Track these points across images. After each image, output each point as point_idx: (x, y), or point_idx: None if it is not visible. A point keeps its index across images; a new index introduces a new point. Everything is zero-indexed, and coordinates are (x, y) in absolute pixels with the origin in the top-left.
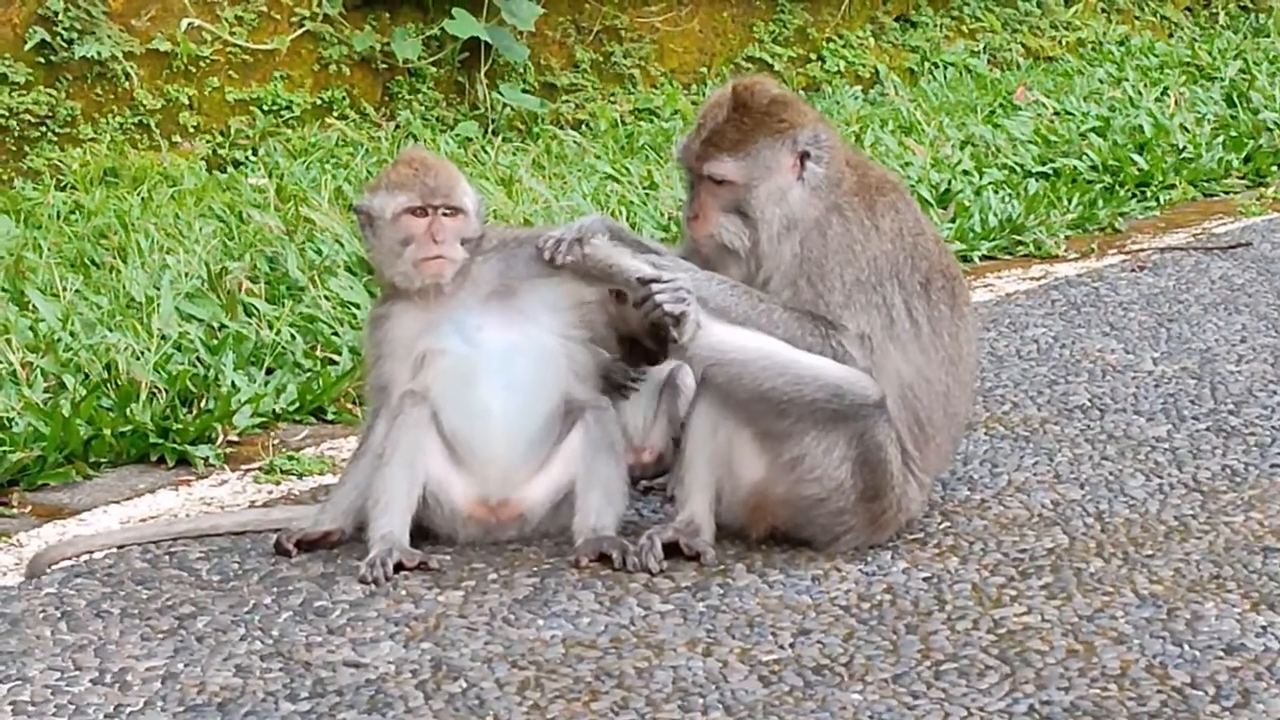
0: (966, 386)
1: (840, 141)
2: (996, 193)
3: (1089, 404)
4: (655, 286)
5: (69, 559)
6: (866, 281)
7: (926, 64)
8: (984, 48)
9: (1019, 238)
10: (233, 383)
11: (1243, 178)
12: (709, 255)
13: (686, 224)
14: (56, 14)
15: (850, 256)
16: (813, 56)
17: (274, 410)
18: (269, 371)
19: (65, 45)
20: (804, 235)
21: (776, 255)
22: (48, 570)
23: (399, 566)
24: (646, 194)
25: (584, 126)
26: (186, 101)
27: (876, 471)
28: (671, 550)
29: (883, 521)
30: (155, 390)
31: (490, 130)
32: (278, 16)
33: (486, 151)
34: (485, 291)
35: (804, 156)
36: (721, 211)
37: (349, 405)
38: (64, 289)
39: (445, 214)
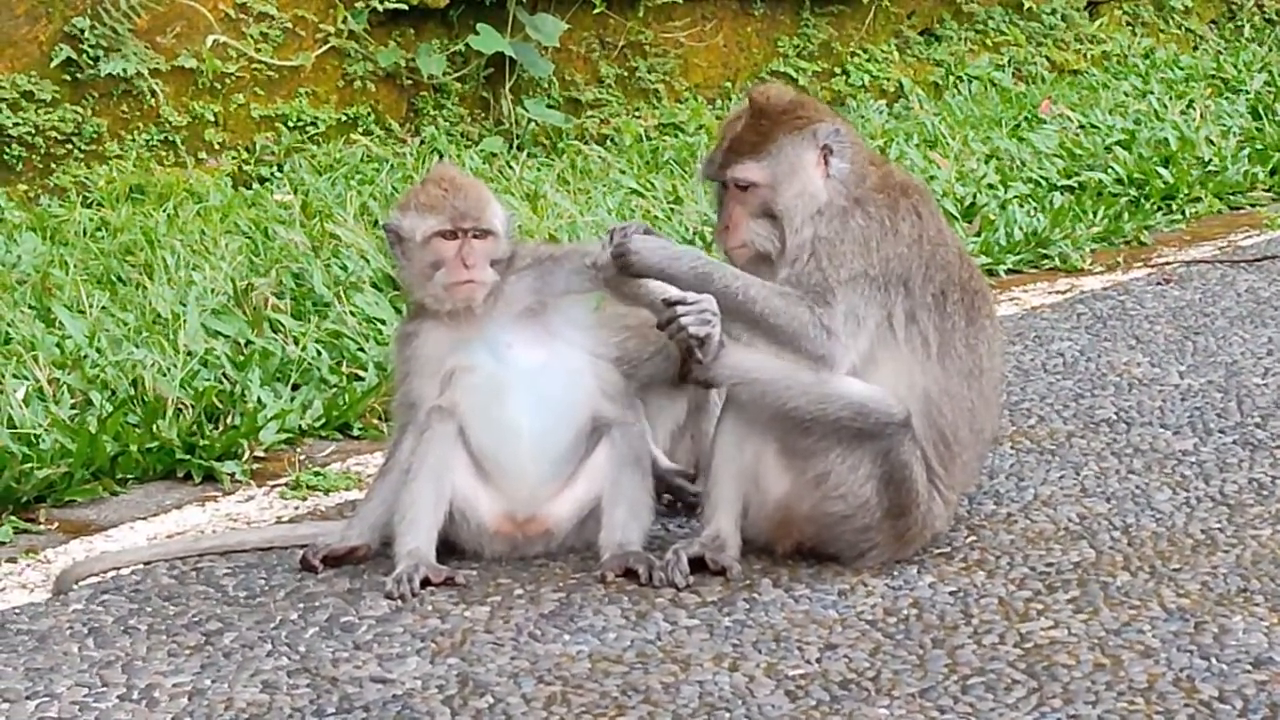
0: (991, 402)
1: (860, 139)
2: (1022, 206)
3: (1115, 417)
4: (680, 309)
5: (96, 575)
6: (875, 278)
7: (951, 78)
8: (1008, 61)
9: (1044, 251)
10: (259, 399)
11: (1268, 190)
12: (743, 267)
13: (719, 238)
14: (82, 31)
15: (865, 250)
16: (837, 71)
17: (300, 426)
18: (295, 387)
19: (91, 63)
20: (826, 221)
21: (794, 248)
22: (74, 587)
23: (425, 582)
24: (671, 209)
25: (609, 141)
26: (212, 118)
27: (901, 489)
28: (697, 565)
29: (908, 538)
30: (181, 406)
31: (515, 146)
32: (303, 33)
33: (511, 167)
34: (517, 310)
35: (826, 151)
36: (751, 218)
37: (375, 421)
38: (90, 306)
39: (475, 236)
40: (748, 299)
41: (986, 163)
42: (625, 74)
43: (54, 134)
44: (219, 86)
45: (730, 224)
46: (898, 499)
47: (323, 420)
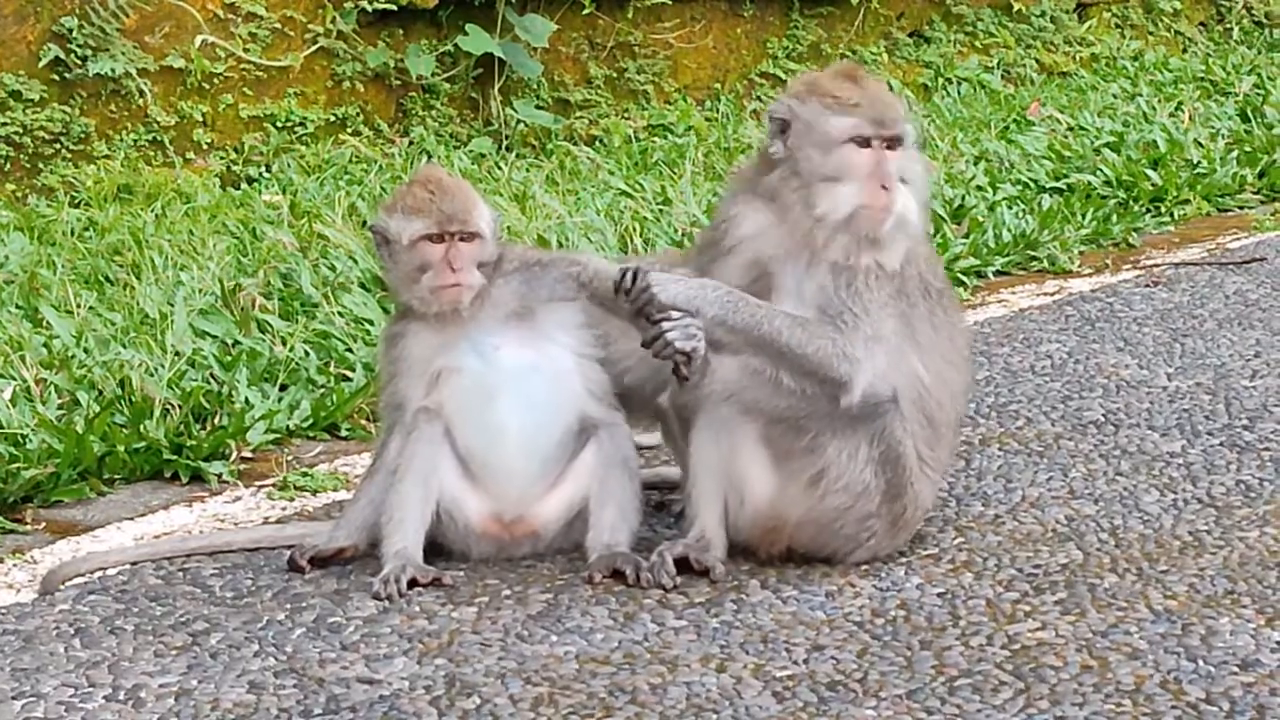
0: (966, 388)
1: None
2: (1010, 208)
3: (1103, 419)
4: (665, 325)
5: (83, 576)
6: (900, 289)
7: (940, 79)
8: (998, 63)
9: (1033, 253)
10: (246, 399)
11: (1257, 192)
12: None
13: (881, 194)
14: (70, 31)
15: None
16: None
17: (288, 426)
18: (283, 388)
19: (79, 62)
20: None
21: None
22: (61, 587)
23: (413, 583)
24: (660, 210)
25: (598, 142)
26: (200, 118)
27: (897, 467)
28: (682, 566)
29: (902, 522)
30: (169, 406)
31: (504, 146)
32: (291, 33)
33: (500, 168)
34: (504, 312)
35: None
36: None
37: (363, 421)
38: (78, 306)
39: (462, 239)
40: (773, 330)
41: (975, 164)
42: (614, 75)
43: (42, 133)
44: (207, 86)
45: (889, 184)
46: (894, 478)
47: (310, 421)
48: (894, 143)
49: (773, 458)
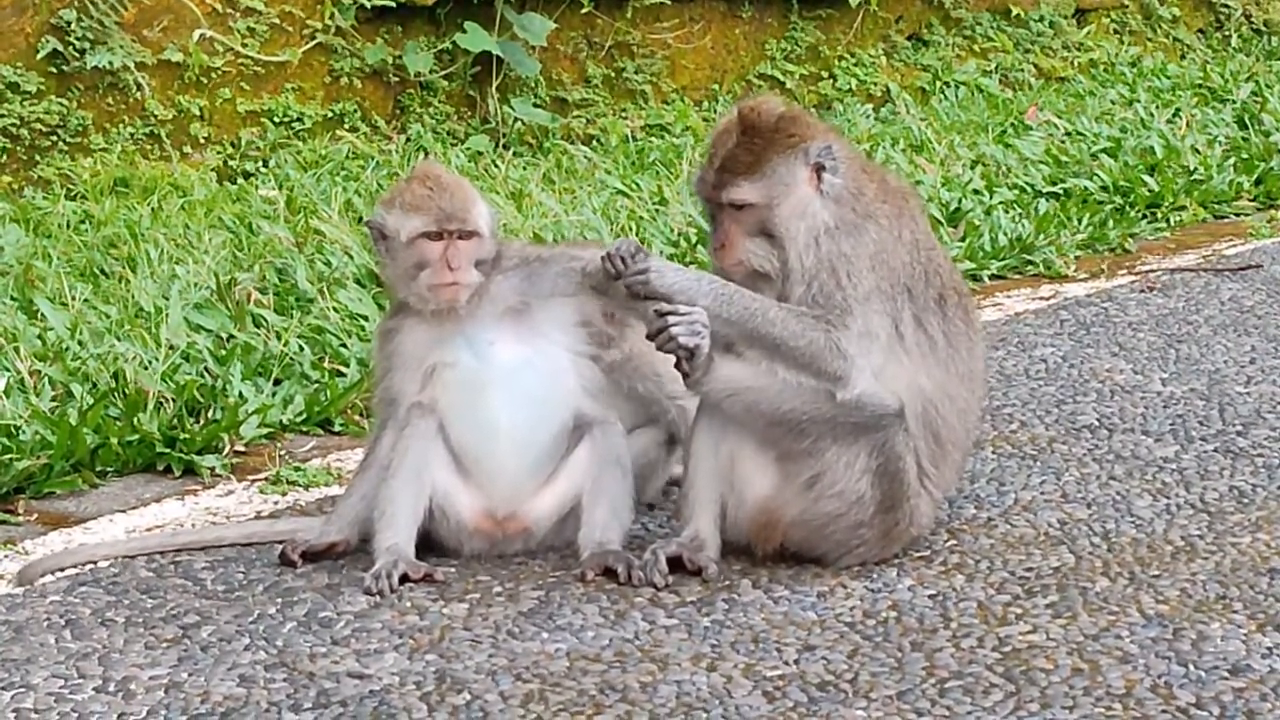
0: (981, 404)
1: (853, 151)
2: (1007, 212)
3: (1097, 424)
4: (671, 319)
5: (63, 569)
6: (885, 291)
7: (938, 83)
8: (996, 67)
9: (1029, 257)
10: (240, 393)
11: (1253, 200)
12: (740, 283)
13: (713, 255)
14: (69, 24)
15: (878, 263)
16: (824, 74)
17: (281, 421)
18: (276, 382)
19: (77, 55)
20: (844, 237)
21: (807, 267)
22: (39, 578)
23: (404, 578)
24: (656, 210)
25: (595, 142)
26: (197, 112)
27: (895, 481)
28: (675, 565)
29: (894, 534)
30: (163, 400)
31: (501, 144)
32: (289, 28)
33: (497, 165)
34: (501, 308)
35: (819, 168)
36: (747, 236)
37: (356, 417)
38: (73, 298)
39: (461, 237)
40: (766, 322)
41: (972, 168)
42: (612, 74)
43: (39, 126)
44: (205, 81)
45: (726, 242)
46: (890, 491)
47: (304, 415)
48: None
49: (772, 456)
